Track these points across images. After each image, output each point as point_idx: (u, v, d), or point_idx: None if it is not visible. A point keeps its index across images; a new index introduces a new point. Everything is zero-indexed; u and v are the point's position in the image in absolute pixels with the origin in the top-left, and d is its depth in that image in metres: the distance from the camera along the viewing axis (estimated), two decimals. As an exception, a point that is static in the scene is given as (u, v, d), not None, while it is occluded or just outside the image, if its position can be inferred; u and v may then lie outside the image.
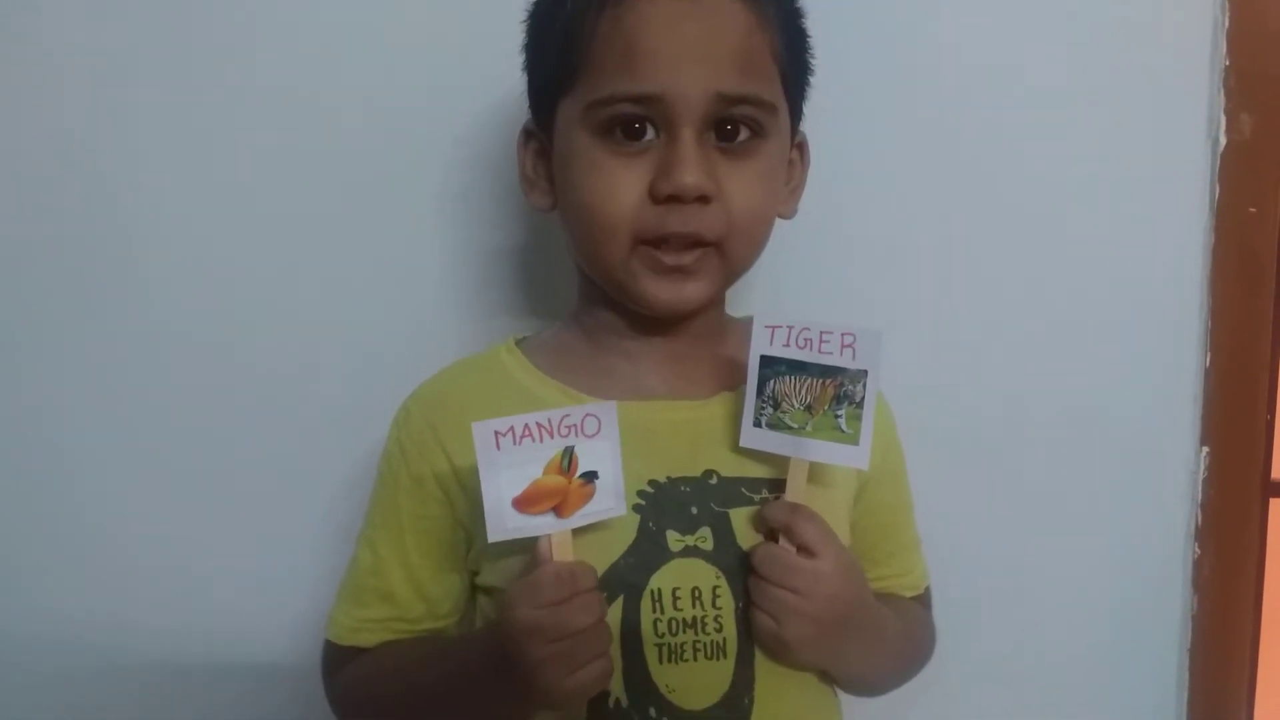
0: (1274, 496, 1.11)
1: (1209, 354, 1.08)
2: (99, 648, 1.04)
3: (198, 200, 1.00)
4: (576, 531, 0.70)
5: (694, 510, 0.75)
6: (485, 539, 0.71)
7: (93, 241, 1.01)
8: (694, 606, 0.73)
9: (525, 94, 0.82)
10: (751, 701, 0.74)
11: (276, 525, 1.03)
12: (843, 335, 0.73)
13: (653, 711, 0.73)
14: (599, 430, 0.69)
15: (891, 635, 0.81)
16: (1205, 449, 1.09)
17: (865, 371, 0.73)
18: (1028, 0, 1.03)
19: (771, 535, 0.74)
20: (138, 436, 1.03)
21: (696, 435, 0.78)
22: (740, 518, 0.76)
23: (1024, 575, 1.09)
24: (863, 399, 0.73)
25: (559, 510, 0.69)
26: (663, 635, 0.73)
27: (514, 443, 0.67)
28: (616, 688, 0.73)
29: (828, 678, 0.81)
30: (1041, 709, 1.10)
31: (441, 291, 1.02)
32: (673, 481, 0.76)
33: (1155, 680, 1.11)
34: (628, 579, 0.73)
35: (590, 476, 0.70)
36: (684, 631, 0.73)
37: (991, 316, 1.06)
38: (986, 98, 1.04)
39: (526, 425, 0.67)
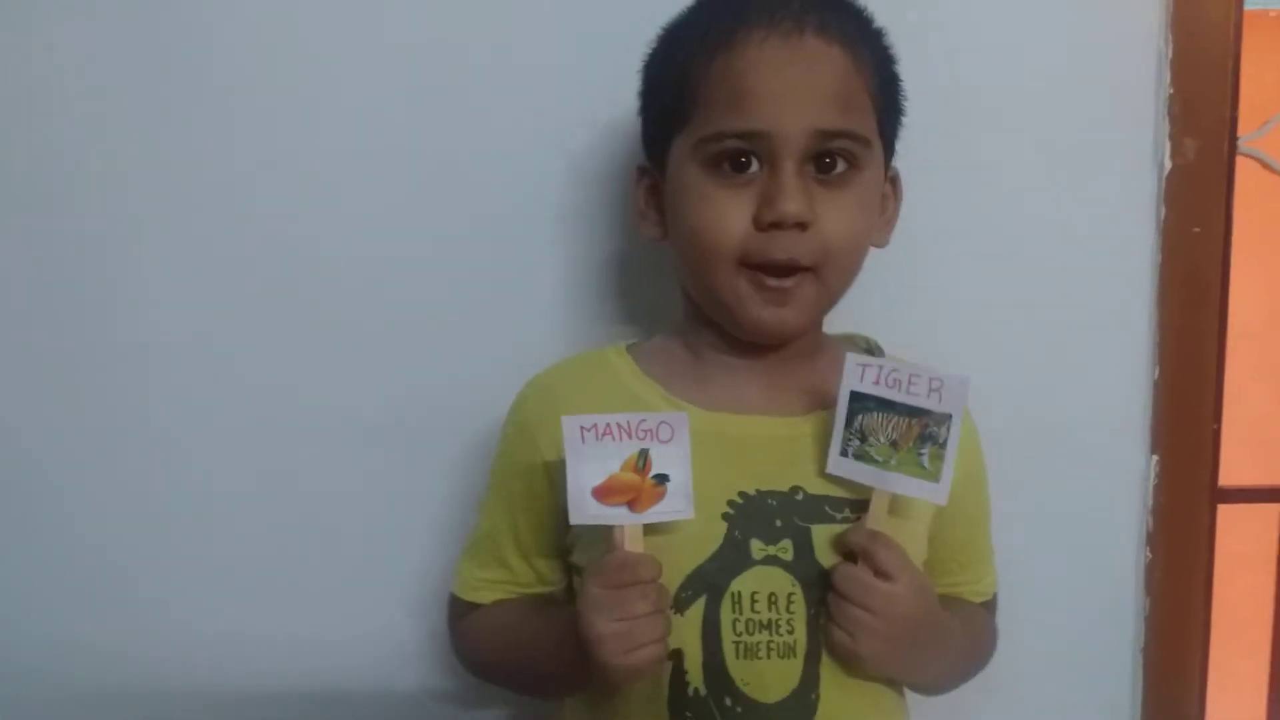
0: (1221, 502, 1.15)
1: (1158, 367, 1.11)
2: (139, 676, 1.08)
3: (323, 213, 1.06)
4: (667, 535, 0.78)
5: (778, 523, 0.81)
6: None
7: (193, 254, 1.05)
8: (770, 610, 0.79)
9: (636, 128, 0.90)
10: (818, 698, 0.80)
11: (395, 519, 1.09)
12: (930, 379, 0.78)
13: (728, 701, 0.79)
14: (672, 437, 0.76)
15: (957, 645, 0.87)
16: (1155, 457, 1.12)
17: (950, 415, 0.77)
18: (981, 34, 1.07)
19: (851, 557, 0.79)
20: (240, 448, 1.07)
21: (788, 452, 0.83)
22: (821, 534, 0.81)
23: (985, 578, 1.12)
24: (946, 440, 0.77)
25: (633, 505, 0.75)
26: (740, 634, 0.79)
27: (596, 438, 0.75)
28: (695, 678, 0.79)
29: (893, 680, 0.86)
30: (1004, 705, 1.12)
31: (553, 301, 1.08)
32: (761, 494, 0.81)
33: (1111, 678, 1.15)
34: (711, 580, 0.79)
35: (662, 479, 0.76)
36: (759, 632, 0.79)
37: (950, 332, 1.09)
38: (947, 123, 1.06)
39: (609, 424, 0.75)
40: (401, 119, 1.05)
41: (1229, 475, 1.17)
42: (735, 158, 0.79)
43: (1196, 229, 1.10)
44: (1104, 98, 1.09)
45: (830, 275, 0.82)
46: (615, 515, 0.75)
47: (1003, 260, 1.10)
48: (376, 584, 1.09)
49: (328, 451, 1.08)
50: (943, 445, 0.77)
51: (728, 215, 0.79)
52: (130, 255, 1.05)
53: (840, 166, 0.80)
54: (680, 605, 0.79)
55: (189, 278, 1.06)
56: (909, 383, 0.78)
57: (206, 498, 1.08)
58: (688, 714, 0.79)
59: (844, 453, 0.79)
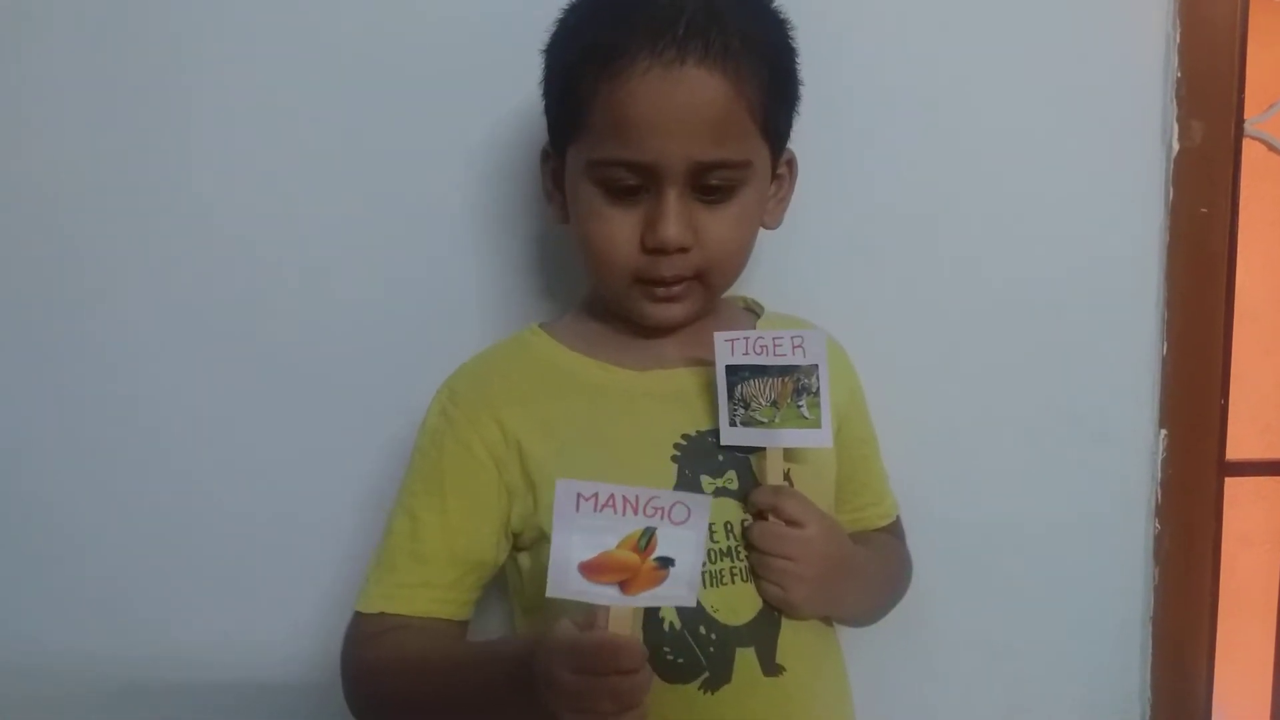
0: (1228, 475, 1.17)
1: (1166, 344, 1.13)
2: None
3: (232, 202, 1.07)
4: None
5: (720, 457, 0.87)
6: (533, 499, 0.81)
7: (132, 234, 1.07)
8: (727, 538, 0.85)
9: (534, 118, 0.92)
10: (780, 612, 0.85)
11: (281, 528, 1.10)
12: (791, 337, 0.83)
13: (702, 629, 0.83)
14: (687, 519, 0.67)
15: (873, 574, 0.94)
16: (1164, 431, 1.14)
17: (816, 365, 0.83)
18: (993, 21, 1.09)
19: (762, 515, 0.84)
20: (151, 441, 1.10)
21: (714, 396, 0.87)
22: (758, 460, 0.87)
23: (998, 550, 1.14)
24: (818, 388, 0.83)
25: (625, 586, 0.67)
26: (705, 565, 0.83)
27: (595, 509, 0.66)
28: (669, 614, 0.82)
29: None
30: (1015, 672, 1.16)
31: (469, 293, 1.09)
32: (701, 435, 0.87)
33: (1120, 647, 1.17)
34: None
35: (665, 562, 0.67)
36: (722, 560, 0.84)
37: (968, 313, 1.12)
38: (958, 109, 1.10)
39: (612, 495, 0.66)
40: (306, 122, 1.06)
41: (1236, 451, 1.19)
42: (623, 181, 0.83)
43: (1204, 210, 1.12)
44: (1113, 82, 1.11)
45: (715, 278, 0.87)
46: (603, 594, 0.66)
47: (1014, 241, 1.12)
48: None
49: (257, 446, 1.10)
50: (816, 394, 0.83)
51: (618, 235, 0.84)
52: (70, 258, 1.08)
53: (719, 189, 0.84)
54: None
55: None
56: (774, 345, 0.83)
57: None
58: (665, 649, 0.82)
59: (732, 423, 0.85)
